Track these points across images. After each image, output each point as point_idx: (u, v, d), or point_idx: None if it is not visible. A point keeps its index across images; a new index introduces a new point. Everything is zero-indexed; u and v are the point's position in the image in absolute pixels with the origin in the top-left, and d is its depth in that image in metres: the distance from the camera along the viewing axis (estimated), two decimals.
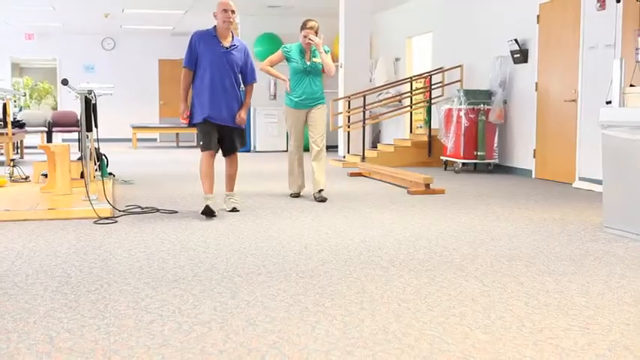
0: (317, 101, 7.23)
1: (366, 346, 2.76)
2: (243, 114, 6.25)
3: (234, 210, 6.42)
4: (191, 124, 6.30)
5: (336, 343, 2.80)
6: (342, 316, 3.16)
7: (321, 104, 7.26)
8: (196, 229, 5.47)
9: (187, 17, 16.57)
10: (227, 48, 6.18)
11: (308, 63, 7.13)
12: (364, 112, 11.97)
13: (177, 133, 17.99)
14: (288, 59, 7.22)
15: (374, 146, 14.53)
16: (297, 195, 7.49)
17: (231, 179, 6.52)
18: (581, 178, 8.65)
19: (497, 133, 10.37)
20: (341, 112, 12.71)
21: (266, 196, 7.50)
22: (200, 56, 6.11)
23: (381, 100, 12.78)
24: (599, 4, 8.28)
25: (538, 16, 9.55)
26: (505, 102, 10.36)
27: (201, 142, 6.18)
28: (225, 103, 6.15)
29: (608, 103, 7.67)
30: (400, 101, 13.09)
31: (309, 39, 7.06)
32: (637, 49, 5.40)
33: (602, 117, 5.46)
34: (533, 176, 9.70)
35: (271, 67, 7.23)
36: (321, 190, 7.19)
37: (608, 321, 3.12)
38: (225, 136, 6.28)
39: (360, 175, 10.03)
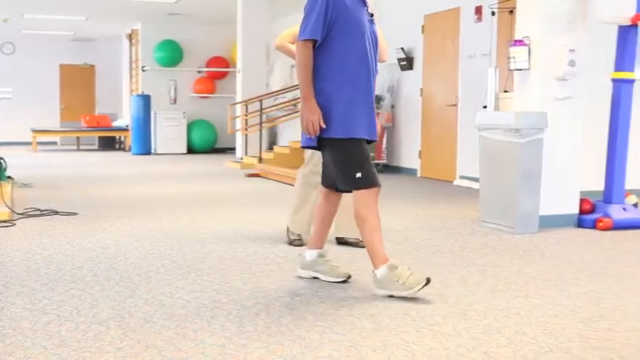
0: None
1: (260, 338, 2.75)
2: (378, 125, 3.71)
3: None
4: (323, 142, 3.49)
5: (231, 337, 2.77)
6: (238, 310, 3.14)
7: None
8: (96, 230, 5.30)
9: (88, 23, 16.07)
10: (372, 16, 3.62)
11: None
12: (261, 116, 11.95)
13: (77, 137, 17.47)
14: None
15: (271, 148, 14.53)
16: (301, 241, 4.70)
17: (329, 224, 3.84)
18: (461, 177, 8.92)
19: (385, 136, 10.56)
20: (239, 116, 12.66)
21: (168, 196, 7.35)
22: (342, 21, 3.44)
23: (277, 104, 12.79)
24: (476, 17, 8.57)
25: (423, 27, 9.79)
26: (393, 106, 10.56)
27: (359, 174, 3.43)
28: (374, 106, 3.62)
29: (484, 107, 7.94)
30: (295, 105, 13.13)
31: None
32: (508, 58, 5.63)
33: (479, 120, 5.65)
34: (419, 175, 9.94)
35: (293, 44, 4.41)
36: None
37: (484, 307, 3.22)
38: None
39: (257, 175, 10.00)
